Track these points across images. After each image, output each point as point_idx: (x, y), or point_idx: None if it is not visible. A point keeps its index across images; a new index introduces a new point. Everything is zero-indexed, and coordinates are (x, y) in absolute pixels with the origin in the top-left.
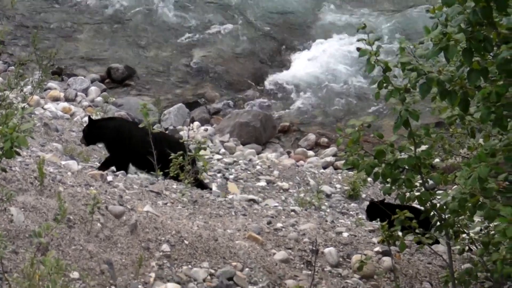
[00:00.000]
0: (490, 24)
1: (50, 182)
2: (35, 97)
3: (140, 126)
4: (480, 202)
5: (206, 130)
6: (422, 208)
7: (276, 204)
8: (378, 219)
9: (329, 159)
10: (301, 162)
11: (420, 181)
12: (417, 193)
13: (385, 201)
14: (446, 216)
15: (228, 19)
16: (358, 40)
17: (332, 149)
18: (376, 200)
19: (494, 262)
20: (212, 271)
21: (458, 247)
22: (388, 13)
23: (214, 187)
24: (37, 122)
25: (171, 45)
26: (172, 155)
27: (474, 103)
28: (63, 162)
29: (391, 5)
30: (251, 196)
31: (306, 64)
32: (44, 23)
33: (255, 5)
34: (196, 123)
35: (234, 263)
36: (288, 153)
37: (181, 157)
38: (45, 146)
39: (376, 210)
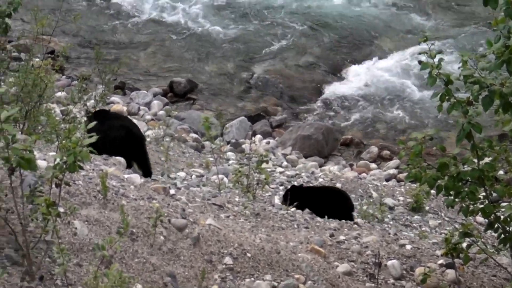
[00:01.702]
0: None
1: (113, 195)
2: None
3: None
4: None
5: (268, 143)
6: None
7: None
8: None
9: (392, 171)
10: (364, 174)
11: (484, 194)
12: (480, 206)
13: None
14: (511, 229)
15: (289, 32)
16: (420, 53)
17: (395, 161)
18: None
19: None
20: (275, 283)
21: None
22: (451, 26)
23: (276, 199)
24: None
25: (233, 59)
26: None
27: None
28: (126, 176)
29: (454, 18)
30: None
31: (368, 76)
32: (106, 38)
33: (317, 19)
34: (258, 136)
35: (296, 276)
36: (351, 165)
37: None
38: (108, 160)
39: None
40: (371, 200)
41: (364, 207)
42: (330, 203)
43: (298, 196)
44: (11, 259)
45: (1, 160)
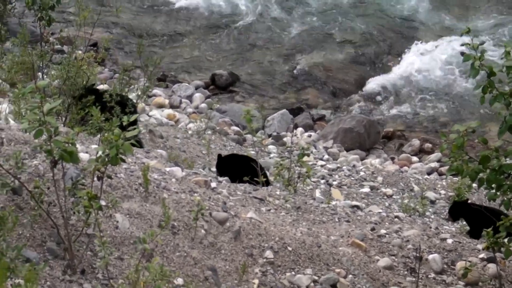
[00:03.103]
0: None
1: (154, 188)
2: (140, 104)
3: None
4: None
5: (309, 136)
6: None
7: (380, 211)
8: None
9: (434, 165)
10: (405, 168)
11: None
12: None
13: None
14: None
15: (330, 26)
16: (462, 45)
17: (437, 154)
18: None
19: None
20: (316, 277)
21: None
22: (494, 16)
23: (317, 193)
24: (142, 129)
25: (275, 51)
26: None
27: None
28: (167, 169)
29: (498, 9)
30: (354, 203)
31: (409, 69)
32: (148, 30)
33: (357, 11)
34: (300, 129)
35: (337, 270)
36: (392, 159)
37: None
38: (149, 153)
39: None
40: (413, 193)
41: (406, 201)
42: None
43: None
44: (53, 252)
45: (44, 153)
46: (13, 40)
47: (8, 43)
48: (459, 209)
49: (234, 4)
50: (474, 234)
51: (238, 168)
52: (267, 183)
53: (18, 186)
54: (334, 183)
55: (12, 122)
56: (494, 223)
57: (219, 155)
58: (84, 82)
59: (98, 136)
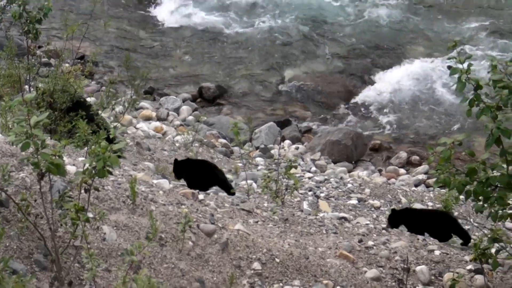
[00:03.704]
0: None
1: (142, 200)
2: (127, 117)
3: None
4: None
5: (297, 148)
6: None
7: (368, 222)
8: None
9: (421, 177)
10: (393, 180)
11: None
12: (509, 211)
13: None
14: None
15: (318, 38)
16: (449, 58)
17: (424, 167)
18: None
19: None
20: None
21: None
22: (480, 30)
23: (305, 205)
24: (130, 141)
25: (262, 64)
26: None
27: None
28: (155, 181)
29: (483, 23)
30: (342, 214)
31: (397, 82)
32: (136, 44)
33: (346, 24)
34: (287, 142)
35: (325, 281)
36: (379, 171)
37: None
38: (137, 165)
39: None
40: (400, 205)
41: None
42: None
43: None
44: (40, 264)
45: (31, 165)
46: None
47: None
48: (398, 217)
49: (220, 17)
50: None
51: (194, 172)
52: (228, 190)
53: (5, 199)
54: (322, 195)
55: None
56: (432, 224)
57: (175, 159)
58: (71, 95)
59: (85, 148)
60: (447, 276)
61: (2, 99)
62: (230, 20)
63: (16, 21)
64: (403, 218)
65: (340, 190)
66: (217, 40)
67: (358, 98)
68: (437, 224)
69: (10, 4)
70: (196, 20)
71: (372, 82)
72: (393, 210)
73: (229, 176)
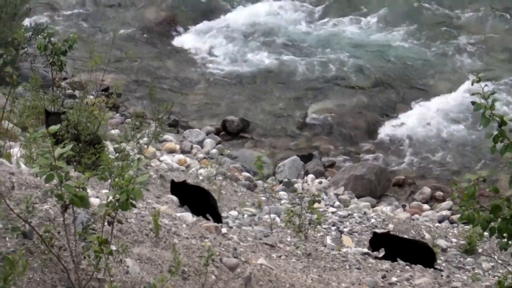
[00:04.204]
0: None
1: (165, 234)
2: (151, 149)
3: None
4: None
5: (320, 182)
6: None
7: None
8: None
9: (445, 212)
10: (416, 215)
11: None
12: None
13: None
14: None
15: (341, 72)
16: (473, 94)
17: (448, 202)
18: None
19: None
20: None
21: None
22: (504, 65)
23: (328, 240)
24: (153, 174)
25: (285, 97)
26: None
27: None
28: (178, 214)
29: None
30: (365, 250)
31: (420, 117)
32: (160, 77)
33: (368, 59)
34: (311, 176)
35: None
36: (403, 206)
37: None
38: (160, 198)
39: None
40: (424, 241)
41: None
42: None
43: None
44: None
45: (55, 197)
46: (24, 85)
47: (20, 88)
48: (379, 240)
49: (243, 49)
50: (390, 258)
51: (188, 195)
52: (217, 218)
53: (29, 230)
54: (345, 230)
55: (23, 166)
56: (409, 251)
57: (172, 180)
58: (95, 127)
59: (109, 181)
60: None
61: (26, 131)
62: (253, 53)
63: (41, 53)
64: (384, 242)
65: (363, 225)
66: (240, 73)
67: (382, 132)
68: (415, 254)
69: (36, 35)
70: (219, 53)
71: (396, 117)
72: (374, 233)
73: (252, 210)
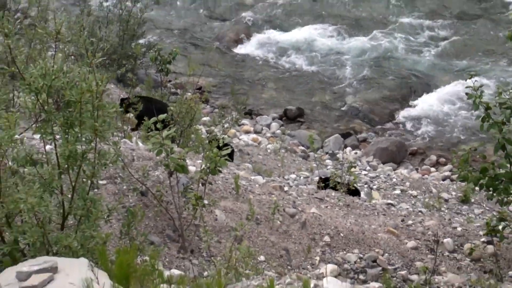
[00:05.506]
0: None
1: (243, 191)
2: (232, 131)
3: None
4: None
5: (356, 153)
6: None
7: (408, 207)
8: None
9: (447, 173)
10: (426, 176)
11: None
12: None
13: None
14: None
15: (369, 73)
16: (467, 87)
17: (449, 166)
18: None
19: None
20: (361, 255)
21: None
22: (494, 65)
23: (362, 194)
24: (234, 148)
25: (330, 92)
26: None
27: None
28: (252, 177)
29: (496, 59)
30: (389, 201)
31: (429, 104)
32: (237, 78)
33: (391, 63)
34: (349, 148)
35: (377, 250)
36: (416, 169)
37: None
38: (239, 165)
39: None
40: (431, 194)
41: (427, 200)
42: None
43: None
44: (170, 237)
45: (163, 166)
46: (141, 86)
47: (138, 88)
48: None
49: (297, 59)
50: None
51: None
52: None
53: (145, 190)
54: (374, 187)
55: (140, 144)
56: None
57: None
58: (192, 115)
59: (202, 154)
60: (467, 246)
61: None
62: (305, 60)
63: (153, 63)
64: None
65: (387, 183)
66: (296, 75)
67: (400, 116)
68: None
69: (149, 50)
70: (280, 61)
71: (410, 105)
72: (320, 178)
73: (306, 173)
